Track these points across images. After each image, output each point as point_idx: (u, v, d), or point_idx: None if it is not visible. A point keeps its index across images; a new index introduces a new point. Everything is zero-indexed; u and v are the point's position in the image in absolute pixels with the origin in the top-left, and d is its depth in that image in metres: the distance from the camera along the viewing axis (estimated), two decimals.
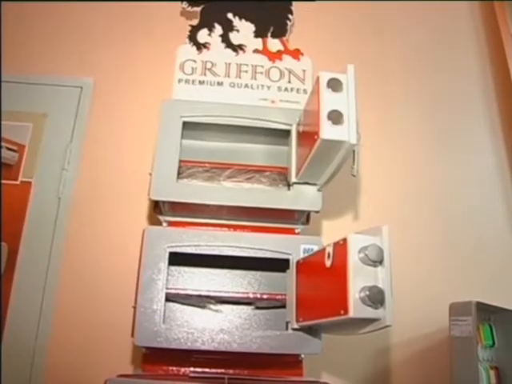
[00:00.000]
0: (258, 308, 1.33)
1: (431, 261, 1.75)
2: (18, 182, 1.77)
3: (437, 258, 1.76)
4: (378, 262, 1.07)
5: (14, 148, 1.81)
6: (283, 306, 1.31)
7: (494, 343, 1.57)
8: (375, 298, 1.04)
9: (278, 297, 1.33)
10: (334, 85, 1.21)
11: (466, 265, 1.76)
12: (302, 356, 1.31)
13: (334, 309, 1.08)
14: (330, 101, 1.20)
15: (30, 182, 1.77)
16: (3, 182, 1.74)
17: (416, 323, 1.67)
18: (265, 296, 1.34)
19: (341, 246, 1.10)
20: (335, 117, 1.18)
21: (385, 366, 1.65)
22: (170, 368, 1.29)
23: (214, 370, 1.28)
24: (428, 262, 1.75)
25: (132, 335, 1.24)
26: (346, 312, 1.05)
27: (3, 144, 1.77)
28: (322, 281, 1.18)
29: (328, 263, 1.15)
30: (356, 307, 1.04)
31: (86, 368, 1.52)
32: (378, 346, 1.65)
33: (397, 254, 1.11)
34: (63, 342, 1.55)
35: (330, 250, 1.14)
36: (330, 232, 1.16)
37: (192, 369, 1.28)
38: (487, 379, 1.50)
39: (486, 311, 1.51)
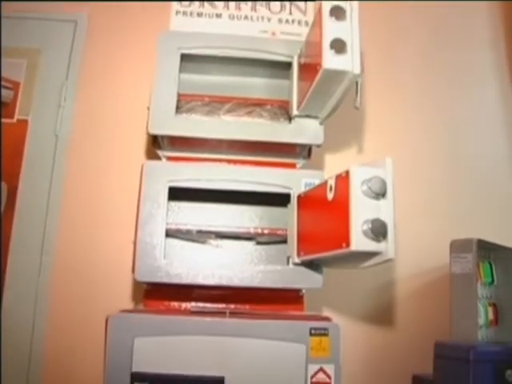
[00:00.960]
0: (258, 243, 1.32)
1: (434, 197, 1.74)
2: (14, 121, 1.74)
3: (439, 194, 1.74)
4: (380, 194, 1.05)
5: (9, 86, 1.77)
6: (284, 242, 1.30)
7: (493, 281, 1.57)
8: (377, 230, 1.03)
9: (278, 232, 1.32)
10: (337, 13, 1.16)
11: (468, 202, 1.74)
12: (303, 291, 1.30)
13: (336, 242, 1.07)
14: (332, 29, 1.16)
15: (26, 120, 1.74)
16: None
17: (417, 259, 1.67)
18: (266, 231, 1.33)
19: (343, 179, 1.08)
20: (338, 46, 1.14)
21: (386, 300, 1.66)
22: (172, 303, 1.29)
23: (215, 305, 1.27)
24: (430, 197, 1.74)
25: (133, 271, 1.23)
26: (348, 245, 1.04)
27: None
28: (324, 214, 1.16)
29: (330, 196, 1.13)
30: (358, 240, 1.02)
31: (87, 305, 1.53)
32: (379, 282, 1.65)
33: (399, 188, 1.09)
34: (64, 280, 1.55)
35: (332, 182, 1.12)
36: (333, 167, 1.14)
37: (193, 304, 1.28)
38: (485, 315, 1.51)
39: (486, 249, 1.51)
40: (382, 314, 1.63)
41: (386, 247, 1.05)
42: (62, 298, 1.55)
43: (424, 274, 1.67)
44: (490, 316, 1.55)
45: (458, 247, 1.50)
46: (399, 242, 1.07)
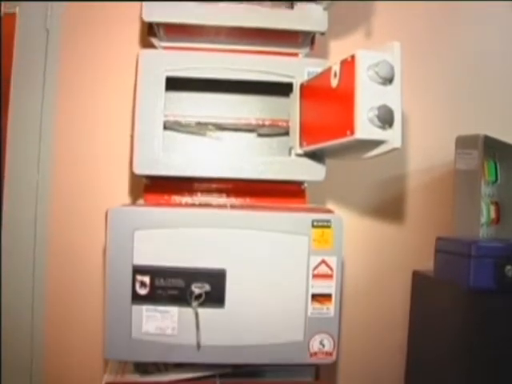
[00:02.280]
0: (260, 135, 1.28)
1: (441, 92, 1.68)
2: (0, 14, 1.64)
3: (447, 89, 1.68)
4: (388, 79, 1.00)
5: None
6: (286, 133, 1.27)
7: (496, 179, 1.56)
8: (384, 117, 0.99)
9: (280, 123, 1.27)
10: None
11: (475, 99, 1.69)
12: (305, 185, 1.28)
13: (340, 130, 1.04)
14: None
15: (14, 14, 1.64)
16: None
17: (422, 154, 1.63)
18: (267, 122, 1.28)
19: (348, 64, 1.03)
20: None
21: (389, 196, 1.65)
22: (172, 197, 1.26)
23: (216, 198, 1.25)
24: (438, 92, 1.68)
25: (130, 164, 1.20)
26: (353, 133, 1.01)
27: None
28: (328, 102, 1.12)
29: (334, 83, 1.08)
30: (363, 128, 0.99)
31: (86, 200, 1.51)
32: (383, 177, 1.63)
33: (406, 77, 1.04)
34: (64, 173, 1.52)
35: (336, 68, 1.07)
36: (338, 56, 1.07)
37: (194, 197, 1.26)
38: (487, 213, 1.51)
39: (491, 147, 1.48)
40: (384, 210, 1.62)
41: (392, 135, 1.01)
42: (60, 194, 1.53)
43: (429, 170, 1.65)
44: (492, 214, 1.55)
45: (463, 143, 1.47)
46: (404, 133, 1.03)
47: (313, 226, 1.15)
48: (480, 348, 1.21)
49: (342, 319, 1.53)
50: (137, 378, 1.21)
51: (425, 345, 1.48)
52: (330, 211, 1.21)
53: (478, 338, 1.21)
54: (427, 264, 1.54)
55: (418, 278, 1.55)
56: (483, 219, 1.47)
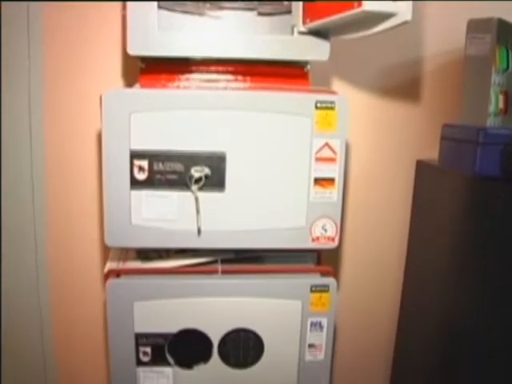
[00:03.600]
0: (260, 14, 1.20)
1: None
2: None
3: None
4: None
5: None
6: (289, 12, 1.19)
7: (508, 67, 1.49)
8: None
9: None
10: None
11: None
12: (308, 67, 1.22)
13: (347, 3, 0.96)
14: None
15: None
16: None
17: (432, 39, 1.55)
18: None
19: None
20: None
21: (396, 81, 1.58)
22: (169, 80, 1.20)
23: (215, 81, 1.19)
24: None
25: (125, 46, 1.13)
26: (360, 4, 0.93)
27: None
28: None
29: None
30: None
31: (79, 85, 1.45)
32: (391, 61, 1.56)
33: None
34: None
35: None
36: None
37: (192, 80, 1.20)
38: (496, 103, 1.45)
39: (505, 32, 1.40)
40: (391, 96, 1.57)
41: (403, 7, 0.95)
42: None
43: (440, 57, 1.57)
44: (501, 104, 1.50)
45: (475, 27, 1.40)
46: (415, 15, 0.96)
47: (316, 108, 1.11)
48: (482, 236, 1.19)
49: (345, 205, 1.52)
50: (139, 264, 1.21)
51: (427, 231, 1.47)
52: (334, 92, 1.15)
53: (481, 226, 1.20)
54: (431, 155, 1.51)
55: (421, 167, 1.52)
56: (491, 108, 1.42)
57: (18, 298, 1.55)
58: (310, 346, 1.21)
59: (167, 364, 1.20)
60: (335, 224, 1.16)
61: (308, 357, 1.22)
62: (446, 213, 1.35)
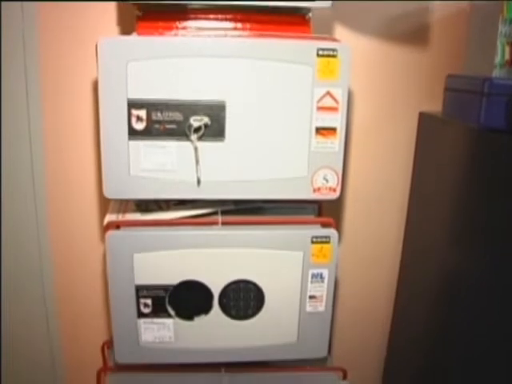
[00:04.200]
0: None
1: None
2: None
3: None
4: None
5: None
6: None
7: None
8: None
9: None
10: None
11: None
12: (310, 15, 1.18)
13: None
14: None
15: None
16: None
17: None
18: None
19: None
20: None
21: (400, 31, 1.54)
22: (167, 27, 1.16)
23: (214, 29, 1.16)
24: None
25: None
26: None
27: None
28: None
29: None
30: None
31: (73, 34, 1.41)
32: (396, 11, 1.51)
33: None
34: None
35: None
36: None
37: (190, 28, 1.17)
38: (502, 54, 1.42)
39: None
40: (394, 45, 1.52)
41: None
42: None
43: (446, 5, 1.52)
44: (507, 55, 1.46)
45: None
46: None
47: (317, 56, 1.08)
48: (486, 189, 1.17)
49: (347, 157, 1.50)
50: (138, 216, 1.20)
51: (429, 184, 1.46)
52: (336, 40, 1.12)
53: (484, 178, 1.18)
54: (434, 108, 1.48)
55: (424, 119, 1.50)
56: (497, 60, 1.39)
57: (18, 250, 1.55)
58: (311, 297, 1.21)
59: (168, 315, 1.20)
60: (337, 174, 1.14)
61: (309, 308, 1.22)
62: (449, 165, 1.33)
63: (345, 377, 1.33)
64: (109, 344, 1.35)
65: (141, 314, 1.20)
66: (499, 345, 1.12)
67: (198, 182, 1.12)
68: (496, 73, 1.39)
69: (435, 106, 1.46)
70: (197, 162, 1.11)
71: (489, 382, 1.15)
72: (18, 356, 1.68)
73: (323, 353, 1.28)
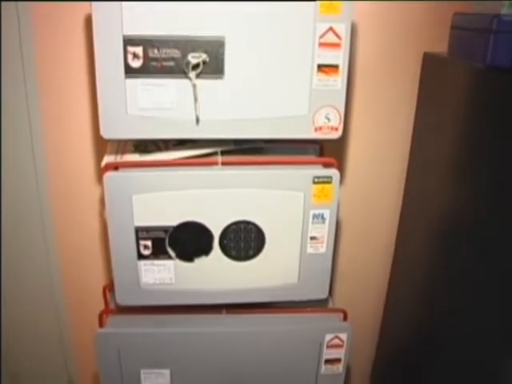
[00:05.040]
0: None
1: None
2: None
3: None
4: None
5: None
6: None
7: None
8: None
9: None
10: None
11: None
12: None
13: None
14: None
15: None
16: None
17: None
18: None
19: None
20: None
21: None
22: None
23: None
24: None
25: None
26: None
27: None
28: None
29: None
30: None
31: None
32: None
33: None
34: None
35: None
36: None
37: None
38: None
39: None
40: None
41: None
42: None
43: None
44: None
45: None
46: None
47: None
48: (491, 130, 1.14)
49: (349, 96, 1.47)
50: (137, 157, 1.18)
51: (433, 125, 1.43)
52: None
53: (491, 120, 1.15)
54: (439, 49, 1.44)
55: (429, 59, 1.45)
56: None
57: (17, 193, 1.54)
58: (312, 238, 1.20)
59: (168, 257, 1.19)
60: (339, 113, 1.12)
61: (310, 249, 1.22)
62: (454, 107, 1.30)
63: (345, 318, 1.33)
64: (110, 287, 1.35)
65: (141, 256, 1.19)
66: (496, 282, 1.11)
67: (197, 120, 1.10)
68: (505, 10, 1.34)
69: (441, 48, 1.42)
70: (195, 100, 1.08)
71: (486, 319, 1.15)
72: (21, 301, 1.69)
73: (324, 294, 1.28)
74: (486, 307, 1.15)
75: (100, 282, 1.63)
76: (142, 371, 1.30)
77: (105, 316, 1.31)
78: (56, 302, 1.70)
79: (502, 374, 1.11)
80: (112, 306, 1.34)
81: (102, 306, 1.36)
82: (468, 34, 1.29)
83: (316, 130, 1.13)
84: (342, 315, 1.33)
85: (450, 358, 1.30)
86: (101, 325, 1.29)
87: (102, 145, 1.45)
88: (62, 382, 1.88)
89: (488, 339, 1.15)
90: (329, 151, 1.30)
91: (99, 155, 1.49)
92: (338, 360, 1.34)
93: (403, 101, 1.54)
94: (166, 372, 1.30)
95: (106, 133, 1.11)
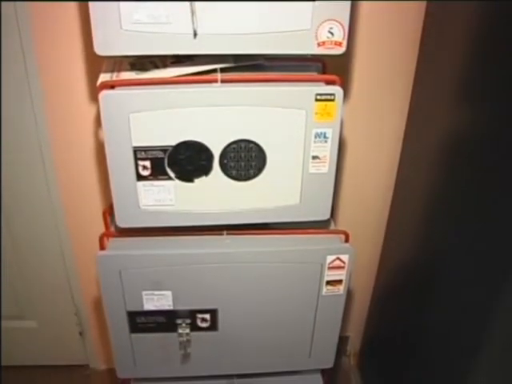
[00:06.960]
0: None
1: None
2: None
3: None
4: None
5: None
6: None
7: None
8: None
9: None
10: None
11: None
12: None
13: None
14: None
15: None
16: None
17: None
18: None
19: None
20: None
21: None
22: None
23: None
24: None
25: None
26: None
27: None
28: None
29: None
30: None
31: None
32: None
33: None
34: None
35: None
36: None
37: None
38: None
39: None
40: None
41: None
42: None
43: None
44: None
45: None
46: None
47: None
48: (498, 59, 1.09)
49: (354, 8, 1.41)
50: (133, 76, 1.14)
51: (438, 55, 1.37)
52: None
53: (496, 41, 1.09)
54: None
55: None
56: None
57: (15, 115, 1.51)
58: (314, 157, 1.18)
59: (168, 178, 1.17)
60: (343, 27, 1.07)
61: (312, 169, 1.20)
62: (458, 43, 1.24)
63: (347, 240, 1.32)
64: (110, 211, 1.34)
65: (140, 177, 1.18)
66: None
67: (195, 34, 1.05)
68: None
69: None
70: (193, 13, 1.03)
71: (485, 247, 1.14)
72: (22, 223, 1.70)
73: (326, 215, 1.28)
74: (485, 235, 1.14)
75: (100, 205, 1.62)
76: (143, 293, 1.31)
77: (105, 239, 1.31)
78: (57, 224, 1.70)
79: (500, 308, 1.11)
80: (112, 228, 1.33)
81: (102, 230, 1.35)
82: None
83: (319, 45, 1.09)
84: (343, 237, 1.33)
85: (450, 284, 1.30)
86: (102, 247, 1.28)
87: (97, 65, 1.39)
88: (69, 311, 1.91)
89: (486, 266, 1.14)
90: (332, 71, 1.24)
91: (94, 75, 1.44)
92: (339, 281, 1.35)
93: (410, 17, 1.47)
94: (168, 293, 1.31)
95: (100, 49, 1.07)
